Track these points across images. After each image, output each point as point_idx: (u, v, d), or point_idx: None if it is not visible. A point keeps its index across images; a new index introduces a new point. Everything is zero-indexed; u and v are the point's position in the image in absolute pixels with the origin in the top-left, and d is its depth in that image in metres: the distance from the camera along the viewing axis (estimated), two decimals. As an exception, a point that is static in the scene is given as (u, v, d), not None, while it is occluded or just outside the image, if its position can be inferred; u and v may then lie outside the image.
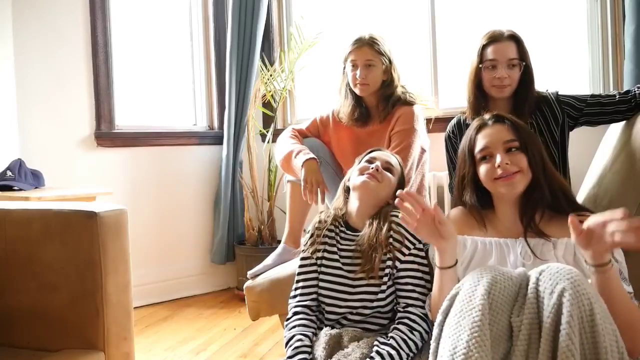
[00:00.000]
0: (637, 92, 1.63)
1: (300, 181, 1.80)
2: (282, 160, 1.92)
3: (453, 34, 3.00)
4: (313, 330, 1.35)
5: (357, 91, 1.90)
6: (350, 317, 1.37)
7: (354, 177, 1.45)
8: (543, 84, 1.80)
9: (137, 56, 3.20)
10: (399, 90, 1.92)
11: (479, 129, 1.29)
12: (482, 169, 1.25)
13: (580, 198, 1.63)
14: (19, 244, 1.38)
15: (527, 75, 1.69)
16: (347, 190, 1.51)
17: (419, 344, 1.26)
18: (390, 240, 1.35)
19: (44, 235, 1.36)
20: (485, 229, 1.29)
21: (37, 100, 2.77)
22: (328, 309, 1.39)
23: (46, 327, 1.34)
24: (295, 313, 1.39)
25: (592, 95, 1.71)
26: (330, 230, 1.46)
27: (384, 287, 1.34)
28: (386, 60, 1.89)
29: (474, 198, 1.31)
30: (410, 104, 1.91)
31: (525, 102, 1.69)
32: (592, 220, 1.01)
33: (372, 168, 1.41)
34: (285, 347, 1.33)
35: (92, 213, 1.32)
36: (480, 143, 1.26)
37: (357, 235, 1.41)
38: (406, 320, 1.29)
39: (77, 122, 2.90)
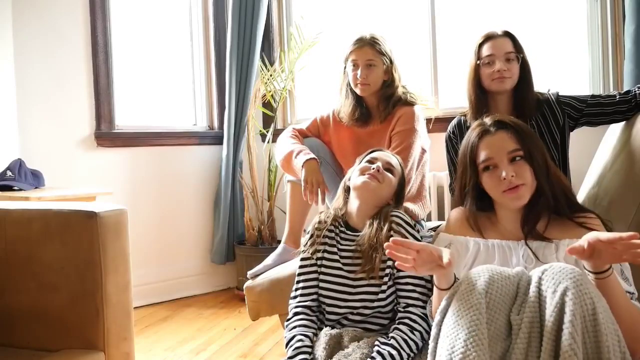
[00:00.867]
0: (637, 92, 1.64)
1: (301, 181, 1.80)
2: (283, 160, 1.92)
3: (453, 34, 3.00)
4: (313, 330, 1.35)
5: (357, 91, 1.90)
6: (350, 317, 1.37)
7: (354, 177, 1.45)
8: (543, 84, 1.80)
9: (137, 56, 3.20)
10: (400, 90, 1.92)
11: (481, 136, 1.25)
12: (487, 180, 1.23)
13: (580, 198, 1.63)
14: (19, 244, 1.38)
15: (524, 70, 1.71)
16: (347, 190, 1.51)
17: (420, 343, 1.26)
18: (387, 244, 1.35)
19: (44, 235, 1.36)
20: (482, 236, 1.29)
21: (37, 100, 2.77)
22: (328, 309, 1.39)
23: (46, 327, 1.34)
24: (296, 313, 1.39)
25: (593, 96, 1.71)
26: (330, 231, 1.46)
27: (384, 287, 1.34)
28: (387, 60, 1.89)
29: (474, 208, 1.30)
30: (410, 104, 1.91)
31: (526, 97, 1.70)
32: (592, 238, 0.99)
33: (373, 168, 1.41)
34: (286, 347, 1.33)
35: (92, 213, 1.32)
36: (483, 153, 1.23)
37: (358, 235, 1.41)
38: (407, 320, 1.29)
39: (77, 122, 2.90)
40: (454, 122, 1.84)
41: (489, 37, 1.72)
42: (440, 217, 2.76)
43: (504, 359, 0.97)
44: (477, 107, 1.72)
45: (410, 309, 1.31)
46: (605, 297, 0.99)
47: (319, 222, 1.48)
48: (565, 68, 2.82)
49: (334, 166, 1.99)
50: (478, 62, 1.72)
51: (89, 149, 2.93)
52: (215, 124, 3.41)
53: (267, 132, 3.19)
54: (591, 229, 1.18)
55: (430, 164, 2.04)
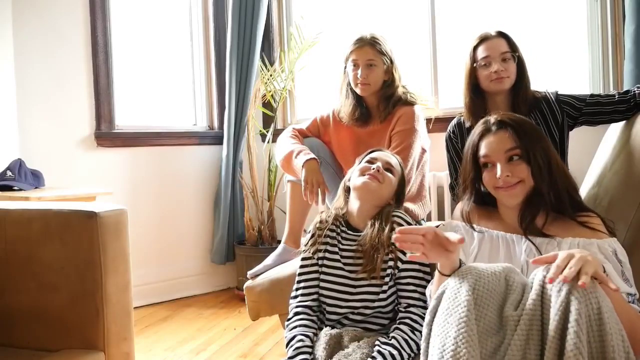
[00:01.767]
0: (636, 92, 1.64)
1: (301, 181, 1.80)
2: (283, 160, 1.92)
3: (453, 34, 3.00)
4: (314, 330, 1.35)
5: (358, 91, 1.90)
6: (351, 317, 1.37)
7: (354, 177, 1.45)
8: (543, 84, 1.80)
9: (137, 56, 3.20)
10: (400, 90, 1.92)
11: (482, 134, 1.27)
12: (486, 177, 1.26)
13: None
14: (19, 244, 1.38)
15: (521, 68, 1.72)
16: (347, 190, 1.51)
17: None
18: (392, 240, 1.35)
19: (44, 235, 1.36)
20: (473, 229, 1.31)
21: (37, 100, 2.77)
22: (329, 309, 1.40)
23: (46, 327, 1.34)
24: (296, 313, 1.39)
25: (592, 95, 1.72)
26: (332, 230, 1.46)
27: (385, 287, 1.34)
28: (387, 60, 1.89)
29: (470, 203, 1.32)
30: (411, 104, 1.91)
31: (524, 95, 1.72)
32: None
33: (373, 169, 1.41)
34: (286, 347, 1.33)
35: (92, 213, 1.32)
36: (482, 151, 1.26)
37: (359, 235, 1.41)
38: (408, 321, 1.29)
39: (77, 122, 2.90)
40: (453, 121, 1.84)
41: (483, 39, 1.73)
42: (440, 217, 2.76)
43: (495, 354, 0.98)
44: (472, 110, 1.74)
45: (411, 309, 1.31)
46: None
47: (320, 222, 1.49)
48: (565, 68, 2.82)
49: (334, 166, 1.99)
50: (474, 64, 1.73)
51: (89, 149, 2.93)
52: (215, 124, 3.41)
53: (267, 132, 3.20)
54: (593, 229, 1.19)
55: (430, 164, 2.04)
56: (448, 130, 1.86)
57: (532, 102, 1.73)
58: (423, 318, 1.28)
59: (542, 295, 0.98)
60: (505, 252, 1.25)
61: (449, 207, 2.70)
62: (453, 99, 2.93)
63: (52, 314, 1.34)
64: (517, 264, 1.20)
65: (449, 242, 1.08)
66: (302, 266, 1.46)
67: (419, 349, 1.24)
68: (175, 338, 2.50)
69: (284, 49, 3.37)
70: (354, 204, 1.46)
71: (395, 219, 1.39)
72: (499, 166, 1.22)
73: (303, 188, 1.78)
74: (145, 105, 3.24)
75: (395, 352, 1.21)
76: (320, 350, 1.27)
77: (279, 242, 2.05)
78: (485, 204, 1.33)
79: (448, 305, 1.01)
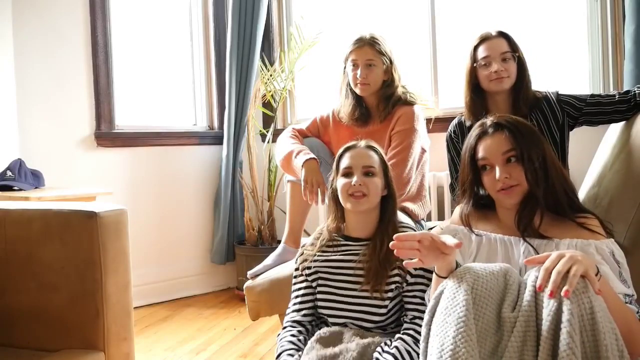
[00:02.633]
0: (637, 92, 1.64)
1: (301, 181, 1.80)
2: (282, 160, 1.92)
3: (453, 34, 3.00)
4: (302, 341, 1.35)
5: (357, 91, 1.90)
6: (351, 326, 1.37)
7: (341, 195, 1.40)
8: (544, 84, 1.80)
9: (137, 56, 3.20)
10: (400, 90, 1.92)
11: (479, 137, 1.27)
12: (485, 180, 1.26)
13: (580, 198, 1.63)
14: (19, 244, 1.38)
15: (522, 68, 1.73)
16: (336, 200, 1.45)
17: None
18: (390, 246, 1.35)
19: (44, 235, 1.36)
20: (472, 231, 1.31)
21: (37, 100, 2.77)
22: (330, 320, 1.40)
23: (46, 327, 1.34)
24: (285, 327, 1.40)
25: (592, 95, 1.72)
26: (329, 247, 1.44)
27: (387, 302, 1.34)
28: (387, 60, 1.89)
29: (469, 207, 1.32)
30: (410, 104, 1.91)
31: (524, 95, 1.72)
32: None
33: (353, 184, 1.36)
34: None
35: (92, 213, 1.32)
36: (480, 153, 1.26)
37: (360, 244, 1.41)
38: (412, 332, 1.28)
39: (77, 122, 2.90)
40: (454, 121, 1.85)
41: (483, 39, 1.73)
42: (440, 217, 2.76)
43: (494, 353, 0.98)
44: (472, 110, 1.75)
45: (416, 320, 1.29)
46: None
47: (311, 246, 1.47)
48: (565, 68, 2.82)
49: (334, 166, 1.99)
50: (475, 64, 1.73)
51: (89, 149, 2.93)
52: (215, 124, 3.41)
53: (267, 132, 3.20)
54: (590, 230, 1.19)
55: (430, 164, 2.04)
56: (449, 129, 1.86)
57: (532, 102, 1.73)
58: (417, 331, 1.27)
59: (536, 297, 0.98)
60: (504, 254, 1.25)
61: (449, 207, 2.70)
62: (453, 99, 2.93)
63: (52, 314, 1.34)
64: (515, 266, 1.20)
65: (446, 246, 1.08)
66: (293, 283, 1.47)
67: None
68: (175, 338, 2.50)
69: (284, 49, 3.37)
70: (351, 217, 1.43)
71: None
72: (497, 168, 1.22)
73: (303, 188, 1.78)
74: (145, 105, 3.24)
75: None
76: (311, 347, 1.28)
77: (279, 242, 2.05)
78: (483, 207, 1.33)
79: (447, 305, 1.01)
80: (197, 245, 3.31)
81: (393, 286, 1.34)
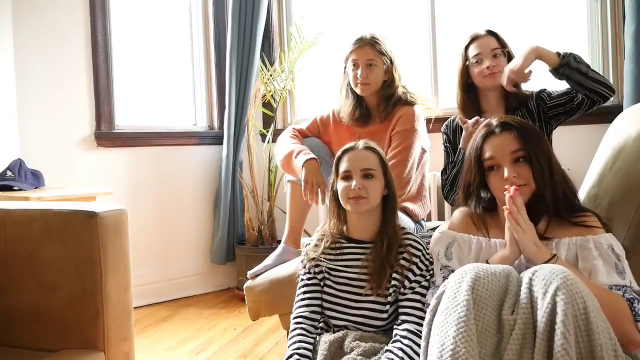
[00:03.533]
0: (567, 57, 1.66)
1: (301, 181, 1.80)
2: (283, 160, 1.92)
3: (453, 34, 3.00)
4: (312, 338, 1.35)
5: (358, 91, 1.90)
6: (352, 328, 1.37)
7: (341, 198, 1.40)
8: (543, 84, 1.81)
9: (137, 56, 3.20)
10: (400, 90, 1.92)
11: (486, 137, 1.27)
12: (492, 180, 1.25)
13: (580, 198, 1.63)
14: (19, 244, 1.38)
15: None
16: (337, 202, 1.44)
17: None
18: (401, 261, 1.35)
19: (44, 235, 1.36)
20: (487, 235, 1.29)
21: (37, 100, 2.77)
22: (333, 321, 1.39)
23: (46, 327, 1.34)
24: (296, 323, 1.38)
25: (560, 92, 1.76)
26: (332, 249, 1.44)
27: (387, 307, 1.34)
28: (387, 60, 1.89)
29: (479, 208, 1.31)
30: (410, 104, 1.91)
31: (516, 90, 1.75)
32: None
33: (353, 188, 1.36)
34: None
35: (92, 213, 1.32)
36: (487, 153, 1.25)
37: (363, 247, 1.41)
38: (410, 334, 1.27)
39: (77, 122, 2.90)
40: (451, 118, 1.92)
41: (474, 38, 1.81)
42: (440, 217, 2.76)
43: (494, 354, 0.98)
44: (463, 108, 1.83)
45: (414, 321, 1.29)
46: None
47: (315, 246, 1.46)
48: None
49: (334, 166, 1.99)
50: (467, 63, 1.80)
51: (89, 149, 2.93)
52: (215, 124, 3.41)
53: (267, 132, 3.20)
54: (589, 226, 1.20)
55: (430, 164, 2.04)
56: (444, 124, 1.93)
57: (522, 98, 1.79)
58: (414, 333, 1.27)
59: (531, 299, 0.98)
60: None
61: (449, 207, 2.70)
62: (453, 99, 2.91)
63: (52, 314, 1.34)
64: (516, 269, 1.20)
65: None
66: (300, 279, 1.46)
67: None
68: (175, 338, 2.50)
69: (284, 49, 3.37)
70: (353, 219, 1.43)
71: (405, 241, 1.37)
72: (506, 168, 1.21)
73: (303, 188, 1.78)
74: (145, 105, 3.24)
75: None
76: (319, 357, 1.26)
77: (279, 242, 2.05)
78: (485, 210, 1.32)
79: (447, 305, 1.01)
80: (197, 245, 3.31)
81: (391, 290, 1.34)
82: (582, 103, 1.68)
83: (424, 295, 1.33)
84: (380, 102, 1.91)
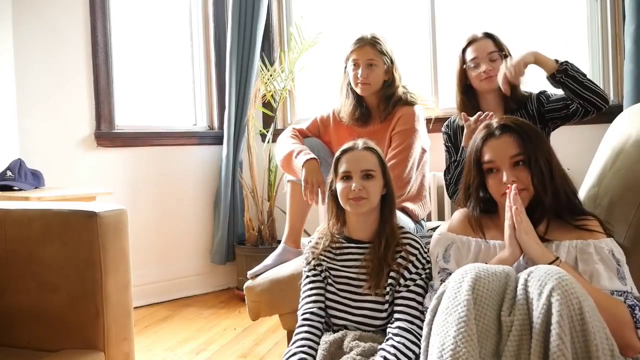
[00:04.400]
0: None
1: (301, 181, 1.80)
2: (283, 160, 1.92)
3: (453, 34, 3.00)
4: (318, 335, 1.35)
5: (358, 91, 1.90)
6: (352, 327, 1.37)
7: (341, 198, 1.40)
8: (543, 84, 1.81)
9: (137, 56, 3.20)
10: (400, 90, 1.92)
11: (486, 139, 1.26)
12: (491, 183, 1.25)
13: (580, 198, 1.63)
14: (19, 244, 1.38)
15: None
16: (336, 202, 1.44)
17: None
18: (399, 260, 1.35)
19: (44, 235, 1.36)
20: (483, 237, 1.29)
21: (37, 100, 2.77)
22: (333, 320, 1.40)
23: (46, 327, 1.34)
24: (303, 320, 1.38)
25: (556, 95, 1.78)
26: (333, 248, 1.44)
27: (386, 306, 1.34)
28: (388, 60, 1.89)
29: (477, 211, 1.31)
30: (411, 104, 1.91)
31: (514, 91, 1.76)
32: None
33: (353, 190, 1.35)
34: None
35: (92, 213, 1.32)
36: (486, 156, 1.24)
37: (362, 247, 1.41)
38: (404, 333, 1.27)
39: (77, 122, 2.90)
40: (451, 118, 1.92)
41: (471, 41, 1.82)
42: (440, 217, 2.76)
43: (494, 354, 0.98)
44: (462, 110, 1.81)
45: (410, 320, 1.30)
46: None
47: (315, 244, 1.46)
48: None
49: (334, 166, 1.99)
50: (464, 66, 1.81)
51: (89, 149, 2.93)
52: (215, 124, 3.41)
53: (267, 132, 3.20)
54: (590, 230, 1.19)
55: (430, 164, 2.04)
56: (444, 125, 1.94)
57: (521, 99, 1.79)
58: (406, 330, 1.27)
59: (527, 300, 0.99)
60: None
61: (449, 207, 2.70)
62: (453, 99, 2.92)
63: (52, 314, 1.34)
64: (516, 270, 1.20)
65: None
66: (304, 277, 1.45)
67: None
68: (175, 338, 2.50)
69: (284, 49, 3.37)
70: (352, 219, 1.43)
71: (403, 240, 1.37)
72: (504, 172, 1.21)
73: (303, 188, 1.78)
74: (145, 105, 3.24)
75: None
76: (319, 357, 1.26)
77: (279, 242, 2.05)
78: (482, 211, 1.32)
79: (448, 305, 1.02)
80: (197, 245, 3.31)
81: (388, 288, 1.34)
82: (576, 111, 1.69)
83: (418, 294, 1.33)
84: (380, 102, 1.91)
